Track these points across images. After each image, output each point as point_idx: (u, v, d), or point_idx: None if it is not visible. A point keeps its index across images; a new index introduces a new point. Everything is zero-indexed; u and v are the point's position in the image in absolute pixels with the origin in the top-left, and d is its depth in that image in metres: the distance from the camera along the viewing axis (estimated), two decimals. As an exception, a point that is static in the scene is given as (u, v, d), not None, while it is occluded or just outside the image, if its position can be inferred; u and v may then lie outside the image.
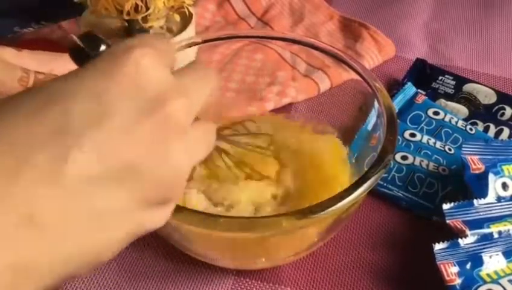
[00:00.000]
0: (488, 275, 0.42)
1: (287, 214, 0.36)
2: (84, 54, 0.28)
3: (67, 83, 0.26)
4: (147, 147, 0.26)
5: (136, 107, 0.26)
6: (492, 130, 0.56)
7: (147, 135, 0.26)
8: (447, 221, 0.45)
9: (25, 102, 0.25)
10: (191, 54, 0.52)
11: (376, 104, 0.44)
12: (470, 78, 0.62)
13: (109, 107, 0.25)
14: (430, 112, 0.56)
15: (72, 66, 0.29)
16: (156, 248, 0.47)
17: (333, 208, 0.36)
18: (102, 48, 0.29)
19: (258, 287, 0.45)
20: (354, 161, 0.47)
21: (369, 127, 0.46)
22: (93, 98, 0.25)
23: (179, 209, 0.36)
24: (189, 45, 0.48)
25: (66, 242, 0.24)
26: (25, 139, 0.24)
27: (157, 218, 0.28)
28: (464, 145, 0.48)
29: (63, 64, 0.45)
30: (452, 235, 0.44)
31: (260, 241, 0.41)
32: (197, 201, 0.44)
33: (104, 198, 0.25)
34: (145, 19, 0.53)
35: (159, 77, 0.27)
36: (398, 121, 0.42)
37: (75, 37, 0.28)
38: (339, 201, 0.36)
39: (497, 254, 0.43)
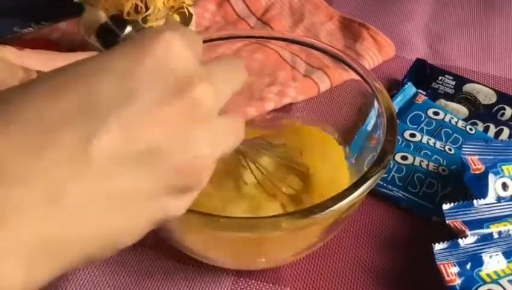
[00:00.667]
0: (488, 275, 0.42)
1: (287, 214, 0.36)
2: (112, 35, 0.28)
3: (94, 63, 0.26)
4: (169, 131, 0.26)
5: (163, 90, 0.26)
6: (492, 130, 0.56)
7: (170, 119, 0.26)
8: (447, 221, 0.45)
9: (46, 82, 0.25)
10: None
11: (376, 104, 0.44)
12: (470, 78, 0.62)
13: (136, 88, 0.25)
14: (430, 112, 0.56)
15: None
16: (156, 248, 0.47)
17: (333, 208, 0.36)
18: (129, 29, 0.28)
19: (257, 287, 0.45)
20: (353, 161, 0.47)
21: (369, 127, 0.46)
22: (121, 78, 0.25)
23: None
24: None
25: (88, 222, 0.24)
26: (50, 117, 0.24)
27: (178, 206, 0.28)
28: (463, 146, 0.48)
29: (65, 63, 0.45)
30: (452, 235, 0.44)
31: (260, 242, 0.41)
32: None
33: (128, 180, 0.25)
34: (144, 19, 0.53)
35: (188, 61, 0.27)
36: (398, 121, 0.42)
37: (103, 15, 0.28)
38: (339, 201, 0.36)
39: (497, 254, 0.43)
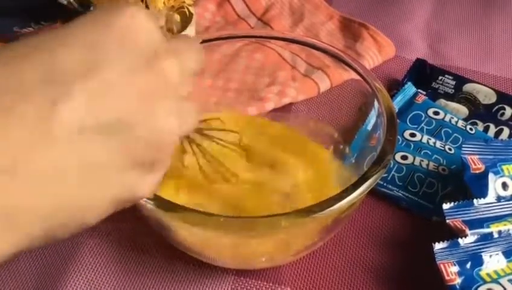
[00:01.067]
0: (488, 274, 0.42)
1: (286, 214, 0.36)
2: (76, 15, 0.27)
3: (58, 32, 0.25)
4: (137, 102, 0.25)
5: (128, 61, 0.25)
6: (492, 130, 0.56)
7: (138, 90, 0.25)
8: (447, 221, 0.45)
9: (7, 50, 0.24)
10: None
11: (376, 104, 0.44)
12: (470, 78, 0.62)
13: (101, 58, 0.24)
14: (430, 112, 0.56)
15: None
16: (156, 248, 0.47)
17: (332, 208, 0.36)
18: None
19: (258, 287, 0.45)
20: (353, 160, 0.47)
21: (369, 127, 0.46)
22: (85, 48, 0.24)
23: (179, 209, 0.36)
24: None
25: (48, 193, 0.23)
26: (9, 87, 0.23)
27: (146, 184, 0.27)
28: (463, 145, 0.48)
29: None
30: (452, 235, 0.44)
31: (260, 241, 0.41)
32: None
33: (92, 151, 0.24)
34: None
35: (153, 34, 0.27)
36: (398, 121, 0.42)
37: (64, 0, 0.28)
38: (339, 201, 0.36)
39: (497, 254, 0.43)
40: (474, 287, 0.41)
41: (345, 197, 0.36)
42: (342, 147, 0.49)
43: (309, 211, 0.36)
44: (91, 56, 0.24)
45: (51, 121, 0.23)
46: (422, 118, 0.56)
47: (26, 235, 0.23)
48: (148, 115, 0.26)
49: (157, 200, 0.36)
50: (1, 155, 0.22)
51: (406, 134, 0.54)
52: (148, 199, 0.36)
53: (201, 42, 0.48)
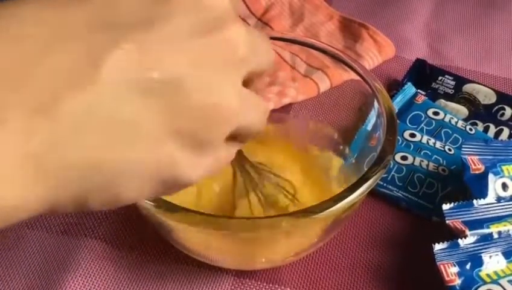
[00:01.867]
0: (487, 275, 0.42)
1: (287, 214, 0.36)
2: None
3: None
4: (195, 66, 0.22)
5: (195, 20, 0.23)
6: (492, 130, 0.56)
7: (201, 52, 0.23)
8: (447, 221, 0.45)
9: None
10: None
11: (376, 104, 0.44)
12: (470, 78, 0.62)
13: (166, 11, 0.22)
14: (430, 112, 0.56)
15: None
16: (156, 248, 0.47)
17: (333, 208, 0.36)
18: None
19: (257, 287, 0.45)
20: (353, 161, 0.47)
21: (369, 127, 0.46)
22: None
23: (179, 209, 0.36)
24: None
25: (81, 143, 0.21)
26: (57, 24, 0.21)
27: (189, 166, 0.24)
28: (463, 146, 0.48)
29: None
30: (452, 235, 0.44)
31: (260, 242, 0.41)
32: None
33: (135, 109, 0.21)
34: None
35: (227, 4, 0.24)
36: (397, 121, 0.42)
37: None
38: (339, 201, 0.36)
39: (497, 254, 0.43)
40: (474, 287, 0.41)
41: (345, 197, 0.37)
42: (341, 147, 0.49)
43: (309, 211, 0.36)
44: (157, 7, 0.22)
45: (96, 65, 0.21)
46: (422, 119, 0.56)
47: (55, 189, 0.21)
48: (206, 82, 0.23)
49: (157, 201, 0.36)
50: (40, 90, 0.20)
51: (406, 134, 0.54)
52: (149, 198, 0.36)
53: None
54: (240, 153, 0.39)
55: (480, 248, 0.43)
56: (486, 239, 0.43)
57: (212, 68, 0.23)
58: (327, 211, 0.36)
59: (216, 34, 0.23)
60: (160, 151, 0.23)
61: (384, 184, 0.51)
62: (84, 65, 0.21)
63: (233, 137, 0.26)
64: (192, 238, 0.42)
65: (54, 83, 0.20)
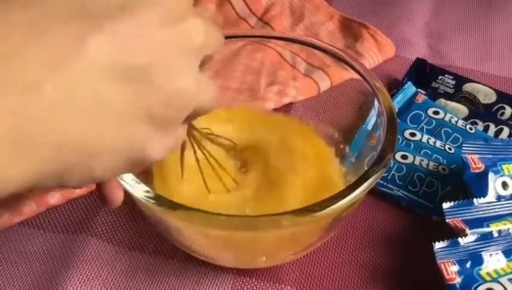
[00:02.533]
0: (488, 273, 0.42)
1: (287, 213, 0.36)
2: None
3: None
4: (162, 54, 0.25)
5: (161, 12, 0.26)
6: (492, 129, 0.56)
7: (165, 42, 0.26)
8: (447, 220, 0.45)
9: None
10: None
11: (376, 103, 0.44)
12: (470, 77, 0.62)
13: (137, 4, 0.25)
14: (430, 112, 0.56)
15: None
16: (157, 246, 0.47)
17: (333, 207, 0.36)
18: None
19: (258, 286, 0.45)
20: (353, 160, 0.47)
21: (369, 126, 0.46)
22: None
23: (180, 208, 0.36)
24: None
25: (64, 122, 0.23)
26: (46, 12, 0.23)
27: (155, 144, 0.27)
28: (463, 145, 0.48)
29: None
30: (452, 234, 0.44)
31: (260, 240, 0.41)
32: None
33: (109, 91, 0.24)
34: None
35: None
36: (398, 120, 0.42)
37: None
38: (339, 200, 0.36)
39: (497, 253, 0.43)
40: (474, 286, 0.41)
41: (345, 196, 0.37)
42: (342, 146, 0.49)
43: (309, 210, 0.36)
44: (127, 0, 0.25)
45: (80, 49, 0.23)
46: (422, 118, 0.56)
47: (37, 164, 0.23)
48: (171, 69, 0.26)
49: (159, 198, 0.36)
50: (33, 66, 0.22)
51: (406, 133, 0.54)
52: (150, 197, 0.36)
53: None
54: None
55: (481, 246, 0.43)
56: (487, 238, 0.43)
57: (176, 56, 0.26)
58: (327, 209, 0.36)
59: (178, 25, 0.26)
60: (129, 131, 0.25)
61: (385, 183, 0.51)
62: (66, 51, 0.23)
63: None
64: (192, 236, 0.42)
65: (38, 65, 0.22)
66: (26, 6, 0.23)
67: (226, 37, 0.49)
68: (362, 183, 0.37)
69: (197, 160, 0.41)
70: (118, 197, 0.36)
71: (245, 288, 0.45)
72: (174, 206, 0.36)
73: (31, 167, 0.23)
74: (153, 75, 0.25)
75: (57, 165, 0.24)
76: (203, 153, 0.42)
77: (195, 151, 0.41)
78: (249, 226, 0.36)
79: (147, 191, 0.37)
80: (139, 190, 0.37)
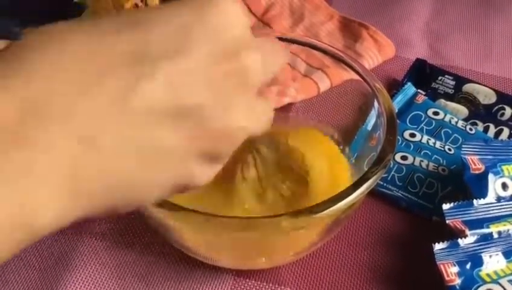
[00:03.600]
0: (487, 275, 0.42)
1: (287, 214, 0.36)
2: None
3: (152, 12, 0.26)
4: (215, 93, 0.25)
5: (215, 51, 0.25)
6: (492, 130, 0.56)
7: (218, 80, 0.26)
8: (447, 221, 0.45)
9: (102, 24, 0.25)
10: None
11: (376, 104, 0.44)
12: (470, 78, 0.62)
13: (189, 43, 0.25)
14: (429, 112, 0.56)
15: None
16: (155, 248, 0.47)
17: (332, 208, 0.36)
18: None
19: (258, 287, 0.45)
20: (353, 161, 0.47)
21: (369, 127, 0.46)
22: (177, 32, 0.25)
23: (179, 209, 0.36)
24: None
25: (117, 168, 0.24)
26: (97, 58, 0.24)
27: (203, 174, 0.27)
28: (463, 145, 0.48)
29: None
30: (452, 235, 0.44)
31: (261, 241, 0.41)
32: None
33: (162, 134, 0.25)
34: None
35: (244, 29, 0.27)
36: (398, 121, 0.42)
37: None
38: (339, 201, 0.36)
39: (497, 254, 0.43)
40: (474, 287, 0.41)
41: (345, 197, 0.37)
42: (342, 147, 0.49)
43: (309, 211, 0.36)
44: (182, 39, 0.25)
45: (131, 97, 0.23)
46: (422, 118, 0.56)
47: (90, 207, 0.24)
48: (223, 108, 0.26)
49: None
50: (86, 124, 0.23)
51: (406, 134, 0.54)
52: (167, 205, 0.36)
53: None
54: None
55: (480, 247, 0.43)
56: (486, 239, 0.43)
57: (229, 93, 0.26)
58: (327, 211, 0.36)
59: (233, 61, 0.26)
60: (181, 168, 0.26)
61: (384, 184, 0.51)
62: (120, 97, 0.23)
63: None
64: (192, 237, 0.42)
65: (95, 115, 0.23)
66: (80, 53, 0.23)
67: None
68: (362, 184, 0.37)
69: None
70: None
71: (245, 289, 0.45)
72: (173, 207, 0.36)
73: (84, 211, 0.24)
74: (205, 114, 0.25)
75: (110, 203, 0.25)
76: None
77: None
78: (249, 227, 0.36)
79: None
80: None
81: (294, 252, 0.43)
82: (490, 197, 0.46)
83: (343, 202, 0.36)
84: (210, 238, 0.41)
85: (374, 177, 0.38)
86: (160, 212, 0.36)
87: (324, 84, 0.57)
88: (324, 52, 0.48)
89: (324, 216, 0.36)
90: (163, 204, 0.36)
